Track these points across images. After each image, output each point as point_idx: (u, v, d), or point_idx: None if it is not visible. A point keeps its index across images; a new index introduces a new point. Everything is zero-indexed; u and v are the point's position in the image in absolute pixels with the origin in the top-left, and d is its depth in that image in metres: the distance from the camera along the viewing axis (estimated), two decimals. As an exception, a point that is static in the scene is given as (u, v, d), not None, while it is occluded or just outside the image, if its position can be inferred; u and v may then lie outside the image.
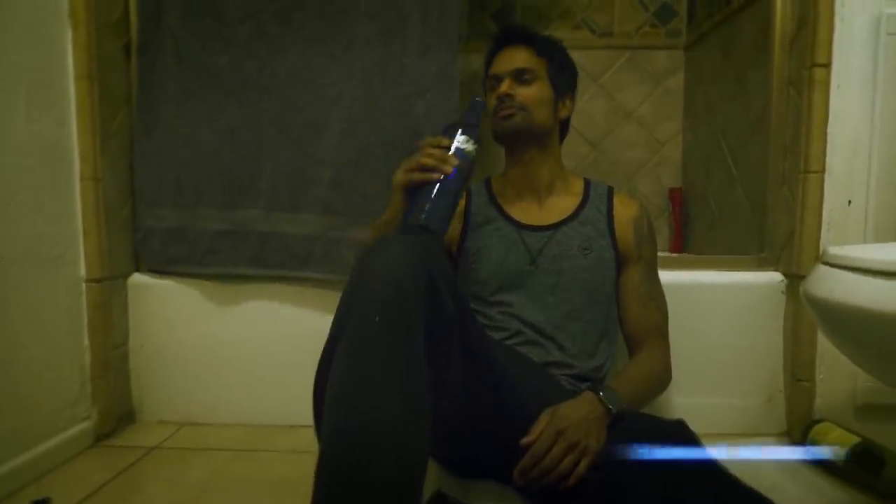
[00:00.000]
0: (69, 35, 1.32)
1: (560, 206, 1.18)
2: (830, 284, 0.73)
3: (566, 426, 0.92)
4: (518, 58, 1.16)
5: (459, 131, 0.96)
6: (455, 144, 0.95)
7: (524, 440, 0.92)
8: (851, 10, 1.24)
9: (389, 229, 1.01)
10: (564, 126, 1.24)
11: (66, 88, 1.33)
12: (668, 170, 2.14)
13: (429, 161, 0.94)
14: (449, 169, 0.93)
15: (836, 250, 0.76)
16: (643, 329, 1.15)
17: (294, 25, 1.38)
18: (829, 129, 1.27)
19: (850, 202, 1.29)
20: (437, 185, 0.92)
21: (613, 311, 1.18)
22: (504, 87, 1.14)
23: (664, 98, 2.12)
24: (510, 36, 1.19)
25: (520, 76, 1.14)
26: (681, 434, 0.97)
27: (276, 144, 1.41)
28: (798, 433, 1.32)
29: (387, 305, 0.77)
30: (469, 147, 0.96)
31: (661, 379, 1.15)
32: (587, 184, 1.22)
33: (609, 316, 1.17)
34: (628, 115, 2.14)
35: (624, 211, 1.18)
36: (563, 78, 1.19)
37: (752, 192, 1.57)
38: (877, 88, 1.26)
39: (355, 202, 1.39)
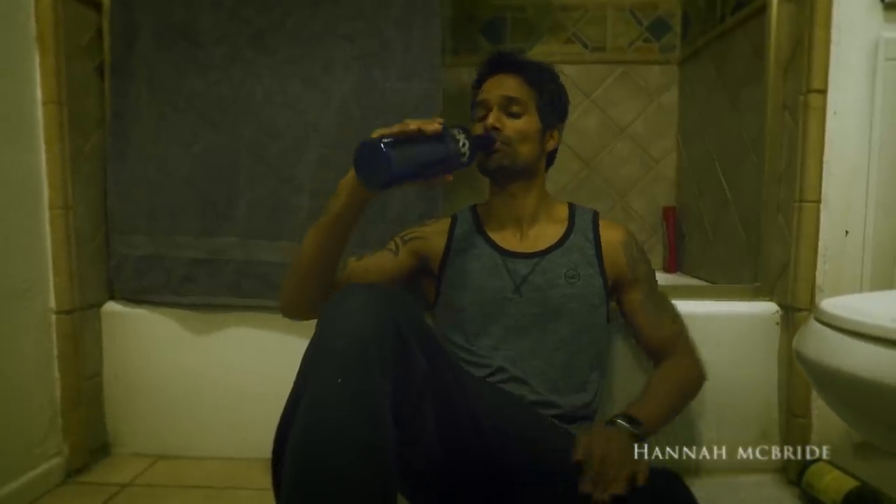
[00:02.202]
0: (36, 60, 1.27)
1: (545, 233, 1.14)
2: (822, 345, 0.69)
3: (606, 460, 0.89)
4: (507, 85, 1.11)
5: (458, 127, 0.94)
6: (449, 130, 0.92)
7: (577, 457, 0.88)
8: (848, 34, 1.20)
9: (330, 231, 0.98)
10: (551, 156, 1.20)
11: (33, 115, 1.28)
12: (662, 188, 2.09)
13: (411, 124, 0.89)
14: (432, 127, 0.89)
15: (830, 306, 0.72)
16: (662, 344, 1.14)
17: (270, 49, 1.33)
18: (826, 157, 1.22)
19: (847, 233, 1.24)
20: (414, 137, 0.88)
21: (603, 342, 1.14)
22: (492, 119, 1.10)
23: (658, 114, 2.07)
24: (501, 62, 1.15)
25: (507, 106, 1.10)
26: (669, 487, 0.93)
27: (253, 170, 1.36)
28: (793, 471, 1.27)
29: (349, 367, 0.74)
30: (460, 138, 0.93)
31: (691, 382, 1.13)
32: (572, 209, 1.18)
33: (599, 347, 1.13)
34: (621, 131, 2.09)
35: (611, 235, 1.15)
36: (553, 110, 1.15)
37: (746, 217, 1.52)
38: (874, 115, 1.21)
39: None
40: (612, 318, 1.17)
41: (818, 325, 0.71)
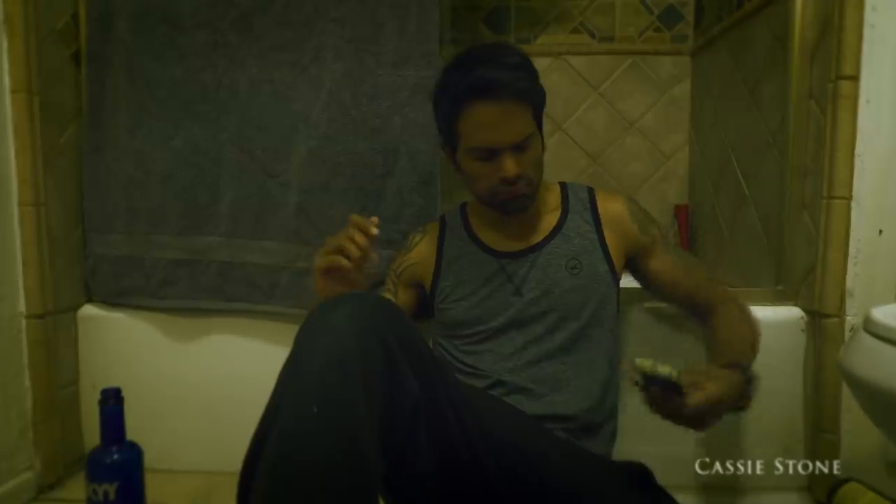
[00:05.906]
0: (4, 45, 1.19)
1: (540, 223, 1.04)
2: (876, 362, 0.59)
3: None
4: (515, 124, 0.92)
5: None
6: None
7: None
8: (884, 14, 1.09)
9: None
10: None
11: (1, 104, 1.19)
12: (673, 185, 2.00)
13: (351, 248, 0.83)
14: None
15: (884, 315, 0.62)
16: (703, 293, 1.08)
17: (255, 34, 1.24)
18: (857, 150, 1.12)
19: (881, 232, 1.14)
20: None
21: (614, 335, 1.05)
22: (510, 169, 0.92)
23: (669, 107, 1.98)
24: (495, 89, 0.89)
25: (519, 147, 0.93)
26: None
27: (237, 164, 1.27)
28: (821, 490, 1.17)
29: (326, 393, 0.64)
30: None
31: (754, 321, 1.05)
32: (564, 190, 1.08)
33: (612, 340, 1.04)
34: (631, 125, 2.00)
35: (611, 207, 1.06)
36: (541, 105, 0.99)
37: (767, 216, 1.42)
38: (912, 104, 1.11)
39: (324, 229, 1.25)
40: (620, 307, 1.09)
41: (871, 339, 0.61)
